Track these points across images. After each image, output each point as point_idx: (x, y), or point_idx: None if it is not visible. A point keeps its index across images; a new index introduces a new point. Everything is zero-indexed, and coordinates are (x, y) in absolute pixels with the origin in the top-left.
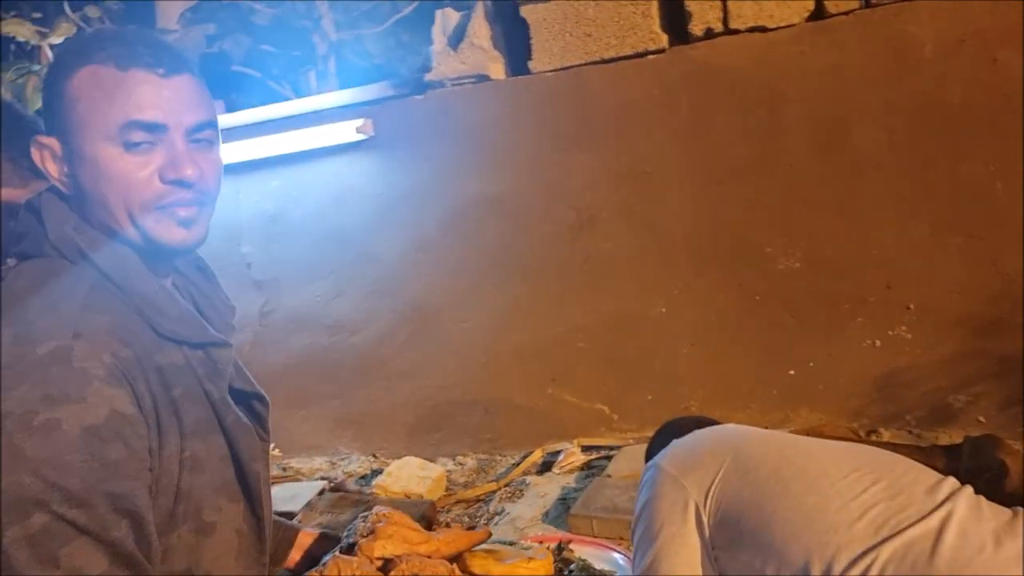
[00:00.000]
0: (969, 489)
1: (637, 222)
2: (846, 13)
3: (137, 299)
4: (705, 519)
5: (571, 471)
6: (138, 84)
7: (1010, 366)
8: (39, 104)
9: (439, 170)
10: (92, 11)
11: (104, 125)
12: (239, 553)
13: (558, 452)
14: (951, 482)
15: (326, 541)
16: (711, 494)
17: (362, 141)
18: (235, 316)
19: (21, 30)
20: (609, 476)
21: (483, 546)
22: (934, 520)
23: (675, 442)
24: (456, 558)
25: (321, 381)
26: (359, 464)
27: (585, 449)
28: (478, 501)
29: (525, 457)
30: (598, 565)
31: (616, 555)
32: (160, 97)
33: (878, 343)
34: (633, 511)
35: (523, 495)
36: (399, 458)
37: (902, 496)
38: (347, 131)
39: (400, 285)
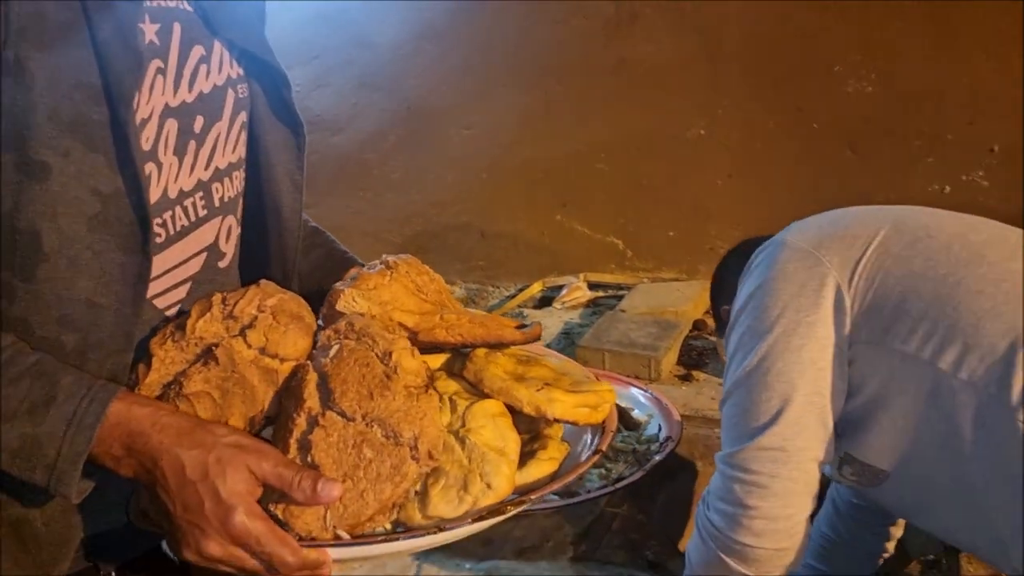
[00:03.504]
0: None
1: (686, 23)
2: None
3: None
4: (848, 303)
5: (575, 307)
6: None
7: None
8: None
9: None
10: None
11: None
12: (97, 223)
13: (560, 287)
14: None
15: None
16: (861, 268)
17: None
18: None
19: None
20: (623, 311)
21: (518, 350)
22: None
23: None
24: (464, 356)
25: None
26: None
27: (592, 286)
28: None
29: (522, 290)
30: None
31: (634, 390)
32: None
33: (948, 189)
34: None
35: None
36: None
37: None
38: None
39: (395, 78)
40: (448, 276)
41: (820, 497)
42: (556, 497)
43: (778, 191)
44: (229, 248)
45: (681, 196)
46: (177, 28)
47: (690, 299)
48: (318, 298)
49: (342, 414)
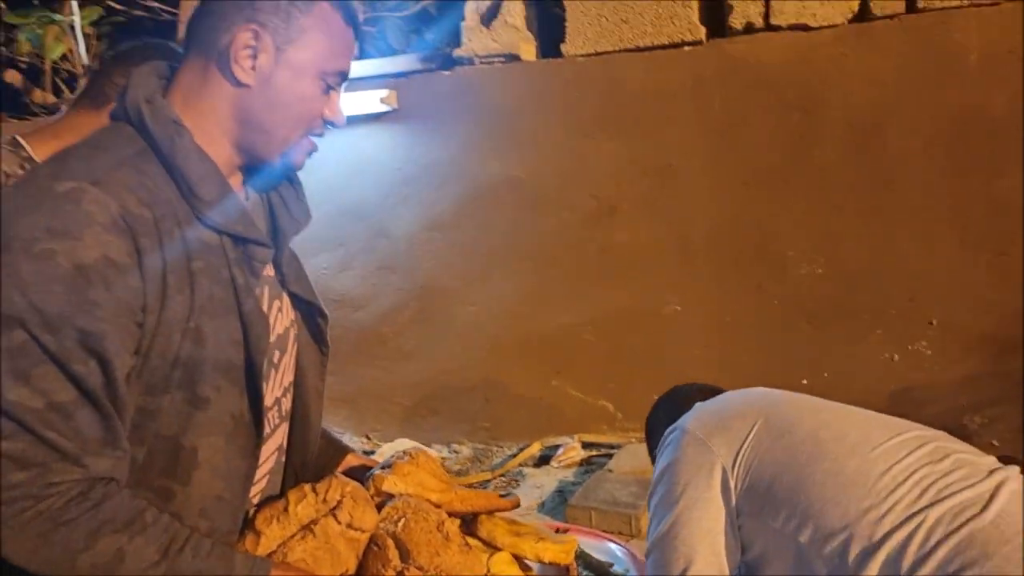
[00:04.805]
0: (1015, 468)
1: (657, 216)
2: (891, 17)
3: (179, 175)
4: (732, 484)
5: (570, 466)
6: (349, 41)
7: None
8: (57, 52)
9: (460, 148)
10: None
11: (323, 63)
12: (230, 437)
13: (557, 446)
14: (993, 458)
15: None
16: (740, 457)
17: (384, 113)
18: (308, 224)
19: None
20: (610, 471)
21: (504, 515)
22: (985, 486)
23: (699, 405)
24: (471, 520)
25: None
26: (349, 444)
27: (586, 446)
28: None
29: (522, 449)
30: (595, 556)
31: (614, 547)
32: (353, 55)
33: (896, 357)
34: (649, 486)
35: (519, 485)
36: (391, 441)
37: (947, 460)
38: (370, 101)
39: (409, 263)
40: (455, 436)
41: None
42: None
43: (746, 359)
44: (286, 444)
45: (662, 363)
46: (267, 290)
47: None
48: (315, 474)
49: (420, 568)
